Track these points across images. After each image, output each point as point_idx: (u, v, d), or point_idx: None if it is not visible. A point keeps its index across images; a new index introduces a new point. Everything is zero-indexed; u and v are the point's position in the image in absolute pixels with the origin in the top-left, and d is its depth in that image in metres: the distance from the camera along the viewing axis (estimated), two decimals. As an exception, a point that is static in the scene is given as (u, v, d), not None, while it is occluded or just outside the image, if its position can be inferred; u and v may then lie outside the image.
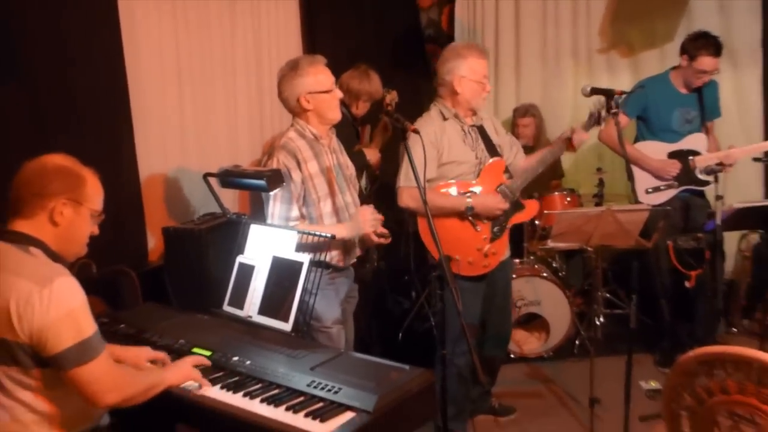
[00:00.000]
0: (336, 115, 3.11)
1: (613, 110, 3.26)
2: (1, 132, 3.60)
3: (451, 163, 3.41)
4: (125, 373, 2.19)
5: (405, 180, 3.37)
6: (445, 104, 3.46)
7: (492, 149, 3.52)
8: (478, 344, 3.57)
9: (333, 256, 3.05)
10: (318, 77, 3.02)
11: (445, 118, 3.45)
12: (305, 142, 3.06)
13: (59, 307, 1.97)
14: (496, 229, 3.46)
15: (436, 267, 2.82)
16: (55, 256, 2.10)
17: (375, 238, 3.11)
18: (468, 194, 3.38)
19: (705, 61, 4.04)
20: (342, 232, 2.99)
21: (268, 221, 3.01)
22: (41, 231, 2.10)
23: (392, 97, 4.15)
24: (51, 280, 1.98)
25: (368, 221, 3.03)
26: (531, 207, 3.58)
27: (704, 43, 4.05)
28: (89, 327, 2.03)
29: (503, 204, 3.41)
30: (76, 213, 2.13)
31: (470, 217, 3.39)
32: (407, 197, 3.38)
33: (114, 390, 2.06)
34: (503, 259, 3.58)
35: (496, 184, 3.46)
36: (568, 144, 3.46)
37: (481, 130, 3.53)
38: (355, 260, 3.24)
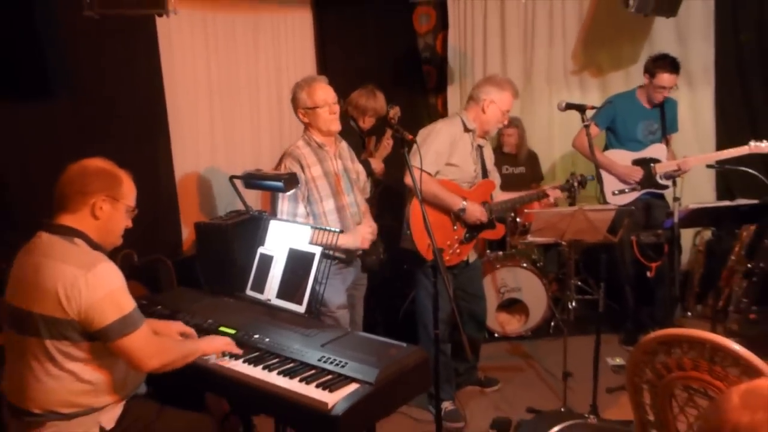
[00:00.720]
0: (330, 127, 3.10)
1: (585, 122, 3.25)
2: (54, 140, 3.61)
3: (455, 166, 3.39)
4: (165, 342, 2.21)
5: (422, 164, 3.34)
6: (468, 118, 3.44)
7: (485, 171, 3.53)
8: (455, 327, 3.55)
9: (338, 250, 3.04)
10: (310, 94, 3.05)
11: (466, 129, 3.43)
12: (310, 150, 3.10)
13: (102, 288, 1.99)
14: (467, 235, 3.45)
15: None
16: (95, 246, 2.11)
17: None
18: (466, 199, 3.37)
19: (663, 78, 4.02)
20: (343, 240, 2.95)
21: (278, 217, 3.01)
22: (83, 224, 2.11)
23: (395, 111, 4.12)
24: (94, 265, 2.01)
25: (366, 239, 3.12)
26: (499, 229, 3.57)
27: (662, 63, 4.03)
28: (129, 304, 2.05)
29: (485, 217, 3.40)
30: (113, 208, 2.14)
31: (455, 216, 3.37)
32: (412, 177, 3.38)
33: (155, 356, 2.08)
34: (471, 261, 3.59)
35: (483, 201, 3.44)
36: (545, 196, 3.51)
37: (481, 154, 3.53)
38: (359, 253, 3.23)
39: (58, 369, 2.03)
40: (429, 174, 3.30)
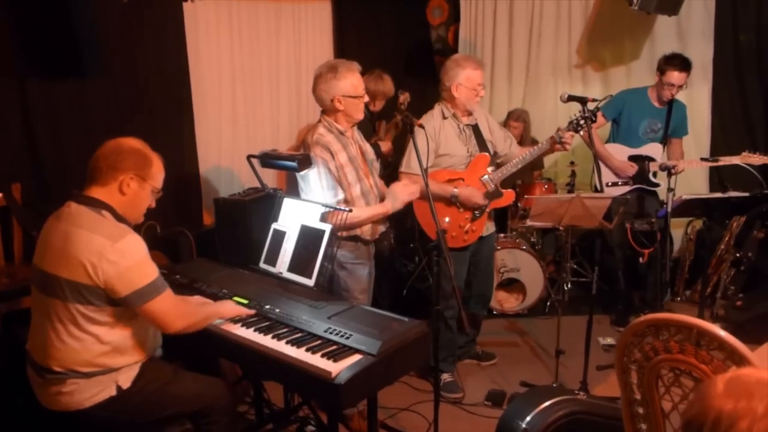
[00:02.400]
0: (360, 116, 2.96)
1: (586, 114, 3.18)
2: (87, 118, 3.60)
3: (445, 155, 3.34)
4: (188, 304, 2.26)
5: (406, 167, 3.31)
6: (446, 105, 3.38)
7: (483, 145, 3.43)
8: (464, 302, 3.53)
9: (364, 230, 2.98)
10: (354, 82, 2.85)
11: (444, 117, 3.36)
12: (333, 137, 2.91)
13: (128, 259, 1.99)
14: (476, 212, 3.40)
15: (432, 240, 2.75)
16: (120, 219, 2.11)
17: (405, 196, 2.97)
18: (456, 186, 3.30)
19: (672, 75, 3.92)
20: (387, 207, 2.91)
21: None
22: (111, 198, 2.10)
23: (405, 97, 4.06)
24: (121, 236, 2.01)
25: (405, 192, 2.94)
26: (508, 195, 3.47)
27: (672, 61, 3.94)
28: (153, 271, 2.05)
29: (480, 199, 3.33)
30: (140, 187, 2.13)
31: (456, 202, 3.33)
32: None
33: (180, 318, 2.10)
34: (486, 235, 3.52)
35: (480, 174, 3.38)
36: (553, 143, 3.32)
37: (476, 129, 3.44)
38: (380, 234, 3.13)
39: (80, 331, 2.03)
40: (416, 174, 3.21)
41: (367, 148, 3.23)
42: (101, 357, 2.06)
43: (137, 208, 2.18)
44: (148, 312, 2.03)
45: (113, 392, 2.09)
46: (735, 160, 3.78)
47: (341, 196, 2.88)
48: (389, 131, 4.48)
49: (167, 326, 2.08)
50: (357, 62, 2.93)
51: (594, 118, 3.23)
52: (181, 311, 2.13)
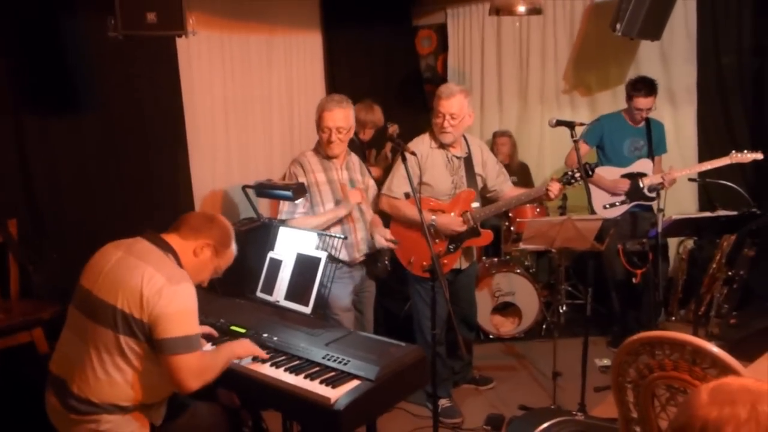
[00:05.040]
0: (327, 151, 3.14)
1: (575, 138, 3.23)
2: (82, 153, 3.63)
3: (428, 185, 3.33)
4: (209, 362, 2.09)
5: (387, 190, 3.35)
6: (435, 135, 3.37)
7: (471, 178, 3.41)
8: (450, 329, 3.43)
9: (342, 255, 3.05)
10: (319, 118, 3.12)
11: (432, 146, 3.36)
12: (318, 159, 3.16)
13: (180, 304, 1.97)
14: (451, 246, 3.37)
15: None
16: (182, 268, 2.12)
17: (384, 242, 3.09)
18: (434, 214, 3.30)
19: (639, 102, 4.02)
20: (340, 211, 3.09)
21: (279, 217, 3.09)
22: (183, 252, 2.14)
23: (394, 129, 4.11)
24: (180, 281, 2.00)
25: (354, 196, 3.15)
26: (486, 236, 3.42)
27: (639, 87, 4.03)
28: (195, 327, 2.03)
29: (460, 226, 3.30)
30: (210, 259, 2.20)
31: (432, 231, 3.26)
32: (385, 203, 3.38)
33: (198, 377, 2.01)
34: (465, 268, 3.50)
35: (463, 210, 3.35)
36: (545, 193, 3.28)
37: (467, 161, 3.41)
38: (362, 257, 3.21)
39: (126, 364, 1.98)
40: (397, 198, 3.29)
41: (364, 180, 3.29)
42: (141, 392, 2.02)
43: (199, 274, 2.20)
44: (171, 364, 1.95)
45: (147, 431, 2.07)
46: (725, 160, 3.87)
47: (301, 209, 3.09)
48: (380, 162, 4.53)
49: (182, 385, 1.98)
50: (348, 92, 3.06)
51: (591, 173, 3.25)
52: (201, 370, 2.03)
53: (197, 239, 2.15)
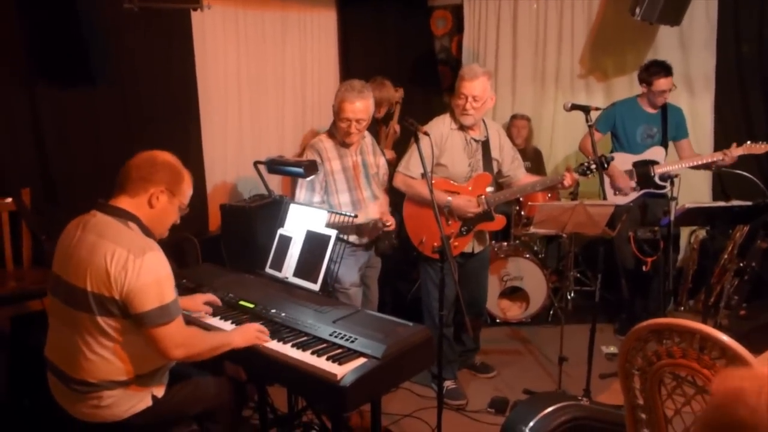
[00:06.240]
0: (344, 138, 3.10)
1: (589, 123, 3.19)
2: (95, 125, 3.64)
3: (444, 166, 3.31)
4: (194, 334, 2.12)
5: (404, 168, 3.33)
6: (455, 116, 3.35)
7: (488, 161, 3.38)
8: (458, 311, 3.45)
9: (351, 238, 3.08)
10: (339, 107, 3.05)
11: (452, 128, 3.34)
12: (333, 144, 3.12)
13: (148, 275, 1.93)
14: (463, 229, 3.36)
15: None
16: (147, 232, 2.07)
17: (381, 225, 3.11)
18: (451, 195, 3.29)
19: (660, 83, 3.98)
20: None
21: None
22: (139, 209, 2.07)
23: (400, 93, 4.17)
24: (144, 251, 1.95)
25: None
26: (499, 221, 3.40)
27: (656, 70, 4.00)
28: (170, 295, 1.98)
29: (475, 208, 3.29)
30: (169, 202, 2.10)
31: (448, 212, 3.29)
32: (400, 181, 3.35)
33: (182, 346, 2.01)
34: (477, 252, 3.49)
35: (479, 193, 3.33)
36: (560, 182, 3.27)
37: (485, 145, 3.39)
38: (366, 240, 3.24)
39: (111, 341, 1.98)
40: (413, 177, 3.27)
41: (375, 160, 3.27)
42: (131, 364, 2.02)
43: (163, 222, 2.14)
44: (152, 335, 1.96)
45: (149, 402, 2.07)
46: (739, 150, 3.87)
47: (317, 199, 3.08)
48: (387, 138, 4.50)
49: (167, 353, 1.99)
50: (362, 72, 3.03)
51: (606, 165, 3.20)
52: (185, 339, 2.03)
53: (147, 190, 2.05)
